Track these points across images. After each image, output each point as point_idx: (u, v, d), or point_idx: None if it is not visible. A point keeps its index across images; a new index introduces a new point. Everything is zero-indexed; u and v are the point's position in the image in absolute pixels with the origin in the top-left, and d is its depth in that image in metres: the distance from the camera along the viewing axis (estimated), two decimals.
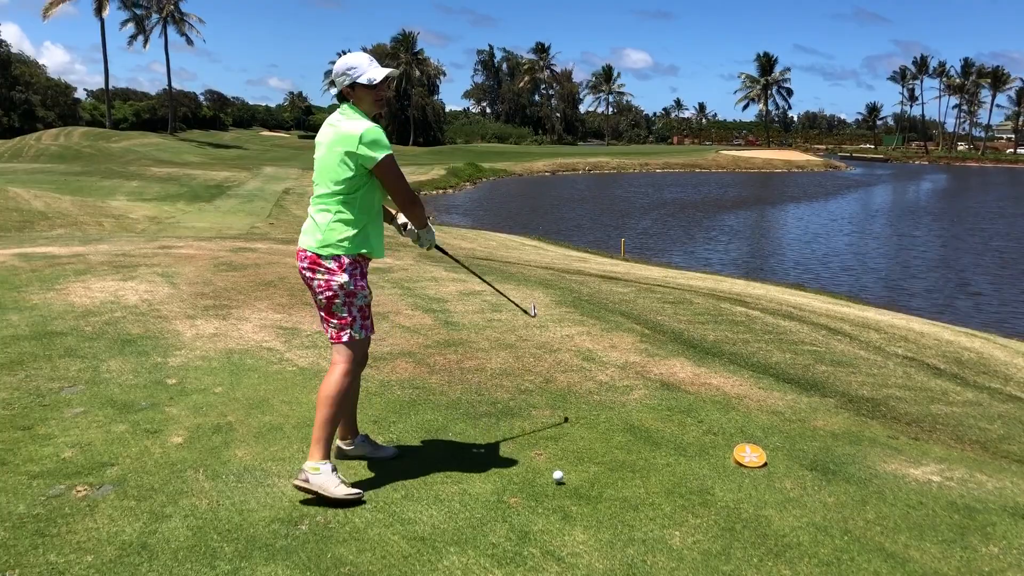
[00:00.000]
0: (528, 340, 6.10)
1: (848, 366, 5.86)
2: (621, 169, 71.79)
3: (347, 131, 3.40)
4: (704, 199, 44.58)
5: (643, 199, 44.09)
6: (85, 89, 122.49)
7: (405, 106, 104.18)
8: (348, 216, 3.44)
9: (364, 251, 3.50)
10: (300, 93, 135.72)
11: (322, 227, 3.46)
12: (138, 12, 72.39)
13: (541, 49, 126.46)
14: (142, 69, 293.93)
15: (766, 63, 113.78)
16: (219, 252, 10.23)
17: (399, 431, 4.25)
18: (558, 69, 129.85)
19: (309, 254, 3.48)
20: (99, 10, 67.07)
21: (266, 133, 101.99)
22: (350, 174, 3.41)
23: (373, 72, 3.48)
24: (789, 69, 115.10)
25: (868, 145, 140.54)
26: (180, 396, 4.70)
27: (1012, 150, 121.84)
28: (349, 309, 3.49)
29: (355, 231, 3.45)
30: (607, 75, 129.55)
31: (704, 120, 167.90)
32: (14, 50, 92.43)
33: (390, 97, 3.28)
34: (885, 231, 31.03)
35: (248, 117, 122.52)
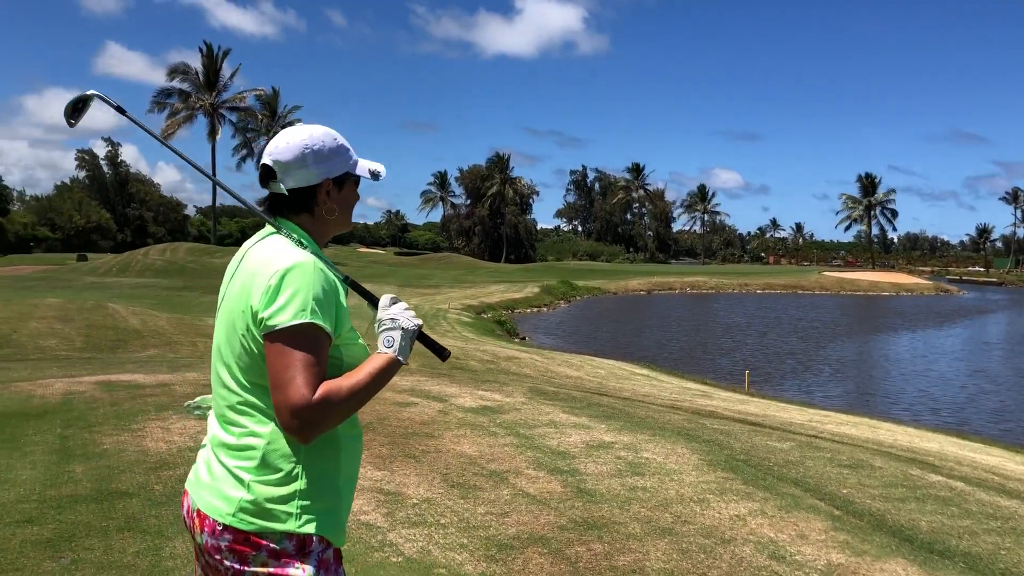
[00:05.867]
0: (689, 522, 4.81)
1: None
2: (720, 289, 69.98)
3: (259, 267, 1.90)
4: (815, 324, 42.42)
5: (749, 323, 42.27)
6: (195, 206, 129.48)
7: (499, 224, 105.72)
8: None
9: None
10: (397, 212, 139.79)
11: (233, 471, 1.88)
12: (248, 136, 76.05)
13: (636, 169, 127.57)
14: (246, 187, 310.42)
15: (868, 184, 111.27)
16: None
17: None
18: (651, 188, 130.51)
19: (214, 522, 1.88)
20: (212, 134, 70.73)
21: (363, 250, 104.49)
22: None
23: (364, 162, 2.08)
24: (894, 190, 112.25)
25: (977, 268, 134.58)
26: None
27: None
28: None
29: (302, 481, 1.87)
30: (702, 194, 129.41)
31: (801, 240, 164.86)
32: (132, 170, 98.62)
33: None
34: (1011, 361, 28.43)
35: (347, 235, 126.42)
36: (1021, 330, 44.08)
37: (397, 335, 1.88)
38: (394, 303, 1.93)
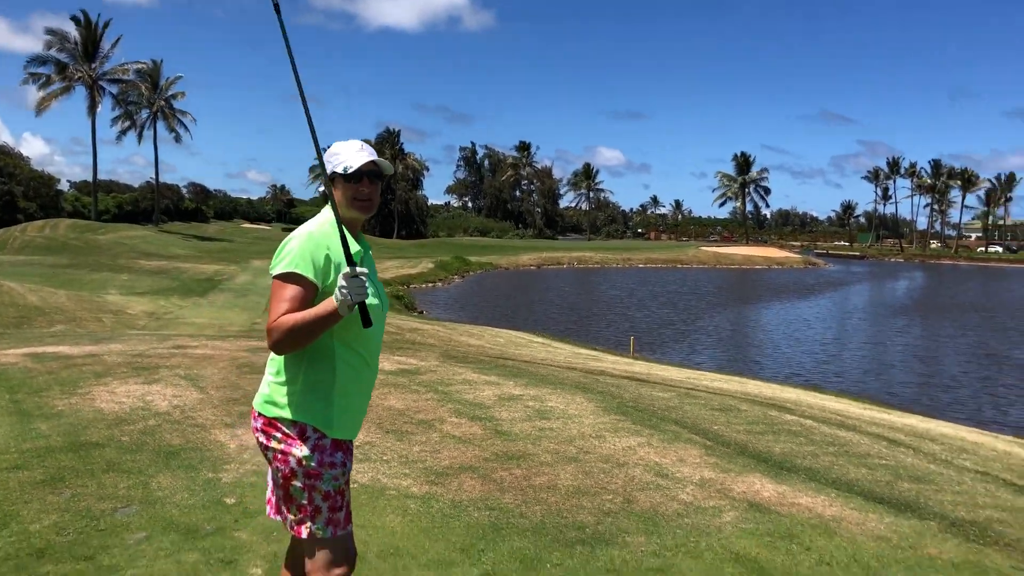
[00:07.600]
0: (590, 452, 5.82)
1: (929, 483, 5.62)
2: (604, 263, 72.37)
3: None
4: (692, 296, 44.83)
5: (632, 295, 44.26)
6: (68, 180, 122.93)
7: (389, 200, 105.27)
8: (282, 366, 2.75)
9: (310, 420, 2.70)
10: (283, 186, 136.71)
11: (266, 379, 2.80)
12: (130, 108, 72.85)
13: (524, 147, 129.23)
14: (122, 162, 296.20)
15: (743, 162, 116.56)
16: (238, 352, 9.91)
17: (493, 561, 3.94)
18: (539, 165, 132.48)
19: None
20: (92, 108, 67.47)
21: (247, 225, 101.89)
22: None
23: (353, 158, 2.73)
24: (767, 169, 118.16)
25: (842, 242, 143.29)
26: (245, 518, 4.36)
27: (983, 248, 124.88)
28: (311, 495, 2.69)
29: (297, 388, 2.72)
30: (587, 173, 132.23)
31: (680, 216, 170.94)
32: None
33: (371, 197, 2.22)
34: (866, 327, 31.18)
35: (230, 209, 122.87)
36: (875, 300, 47.84)
37: (345, 296, 2.48)
38: (355, 278, 2.49)
